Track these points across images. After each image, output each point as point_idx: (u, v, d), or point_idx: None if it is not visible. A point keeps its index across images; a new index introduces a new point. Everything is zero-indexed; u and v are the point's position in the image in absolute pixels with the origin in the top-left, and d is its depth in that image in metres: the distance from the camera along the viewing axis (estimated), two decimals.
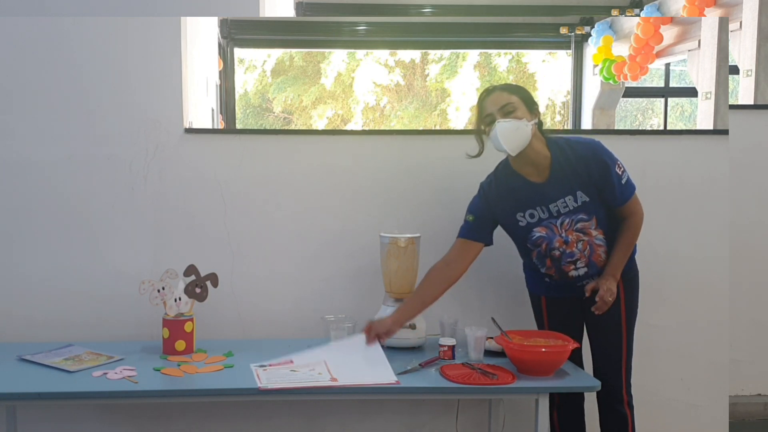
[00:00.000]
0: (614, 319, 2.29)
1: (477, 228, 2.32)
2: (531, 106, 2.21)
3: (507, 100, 2.17)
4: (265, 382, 2.05)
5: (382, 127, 13.88)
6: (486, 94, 2.23)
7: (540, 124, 2.24)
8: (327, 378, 2.09)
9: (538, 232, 2.26)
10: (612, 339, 2.31)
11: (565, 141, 2.25)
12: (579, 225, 2.23)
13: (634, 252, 2.33)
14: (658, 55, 7.56)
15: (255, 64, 13.49)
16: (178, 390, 2.07)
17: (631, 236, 2.26)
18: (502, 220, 2.33)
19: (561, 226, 2.24)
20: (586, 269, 2.26)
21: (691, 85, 7.47)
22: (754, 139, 3.08)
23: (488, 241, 2.35)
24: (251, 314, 2.67)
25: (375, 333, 2.26)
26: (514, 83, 2.27)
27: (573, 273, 2.27)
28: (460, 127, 13.44)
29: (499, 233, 2.38)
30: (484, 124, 2.21)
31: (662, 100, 9.38)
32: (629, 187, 2.24)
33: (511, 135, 2.15)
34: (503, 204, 2.29)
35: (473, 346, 2.26)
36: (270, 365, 2.18)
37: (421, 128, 13.49)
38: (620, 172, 2.21)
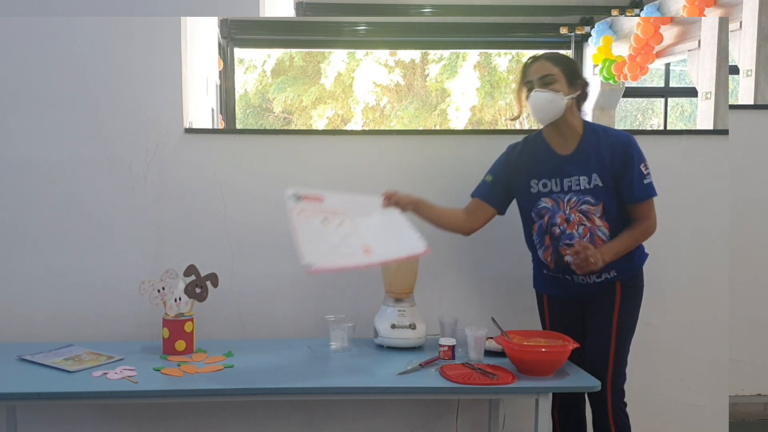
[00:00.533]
0: (605, 326, 2.28)
1: (492, 190, 2.38)
2: (573, 80, 2.24)
3: (549, 71, 2.22)
4: (308, 256, 2.04)
5: (382, 127, 13.88)
6: (532, 61, 2.28)
7: (582, 98, 2.27)
8: (360, 247, 2.15)
9: (545, 202, 2.28)
10: (600, 346, 2.28)
11: (601, 127, 2.31)
12: (584, 207, 2.23)
13: (642, 262, 2.32)
14: (658, 55, 7.56)
15: (255, 64, 13.49)
16: (178, 390, 2.07)
17: (638, 234, 2.25)
18: (516, 182, 2.35)
19: (567, 202, 2.25)
20: None
21: (691, 85, 7.48)
22: (754, 139, 3.09)
23: (501, 209, 2.40)
24: (251, 314, 2.67)
25: (395, 200, 2.33)
26: (562, 54, 2.29)
27: (568, 258, 2.23)
28: (460, 127, 13.43)
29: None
30: (525, 89, 2.27)
31: (662, 100, 9.38)
32: (649, 189, 2.24)
33: (544, 106, 2.21)
34: (522, 166, 2.33)
35: (473, 346, 2.26)
36: (304, 198, 2.25)
37: (421, 128, 13.49)
38: (645, 172, 2.23)
